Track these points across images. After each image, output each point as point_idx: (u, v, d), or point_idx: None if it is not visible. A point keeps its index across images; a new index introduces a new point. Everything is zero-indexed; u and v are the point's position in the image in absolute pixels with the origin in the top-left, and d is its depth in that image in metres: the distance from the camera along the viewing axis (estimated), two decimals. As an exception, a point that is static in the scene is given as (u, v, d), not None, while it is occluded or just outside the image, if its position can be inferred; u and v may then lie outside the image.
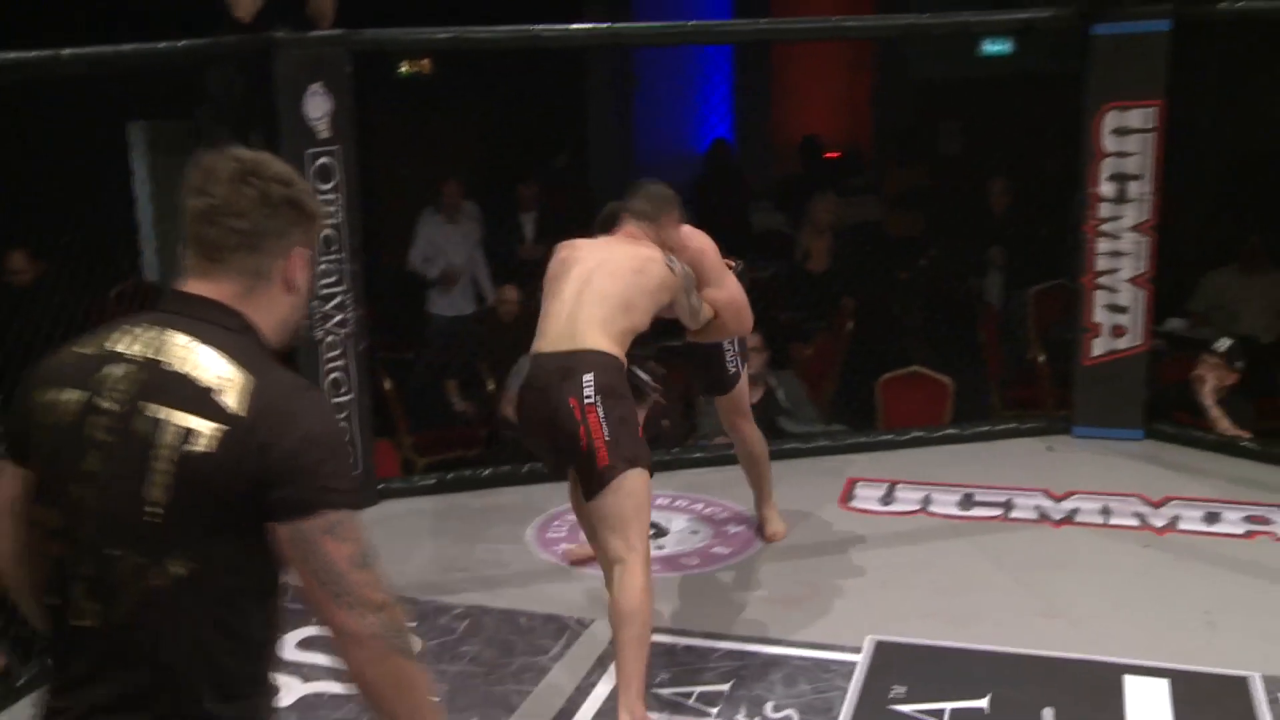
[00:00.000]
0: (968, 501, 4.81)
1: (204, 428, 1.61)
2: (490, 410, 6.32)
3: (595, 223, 3.78)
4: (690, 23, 5.15)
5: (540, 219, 7.66)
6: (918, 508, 4.78)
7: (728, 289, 3.81)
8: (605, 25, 5.23)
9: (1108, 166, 5.35)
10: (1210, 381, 5.40)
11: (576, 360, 3.27)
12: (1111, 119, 5.31)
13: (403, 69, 9.43)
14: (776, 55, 10.67)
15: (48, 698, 1.72)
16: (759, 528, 4.55)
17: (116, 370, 1.66)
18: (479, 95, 5.47)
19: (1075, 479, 5.02)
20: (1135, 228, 5.33)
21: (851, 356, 6.48)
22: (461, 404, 6.19)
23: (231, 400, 1.62)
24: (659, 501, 4.84)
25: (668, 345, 3.87)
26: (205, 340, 1.66)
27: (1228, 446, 5.24)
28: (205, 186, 1.70)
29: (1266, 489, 4.82)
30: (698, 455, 5.42)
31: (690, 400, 6.15)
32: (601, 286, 3.38)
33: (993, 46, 9.90)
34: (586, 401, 3.22)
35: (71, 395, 1.67)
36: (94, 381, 1.66)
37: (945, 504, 4.80)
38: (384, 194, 7.61)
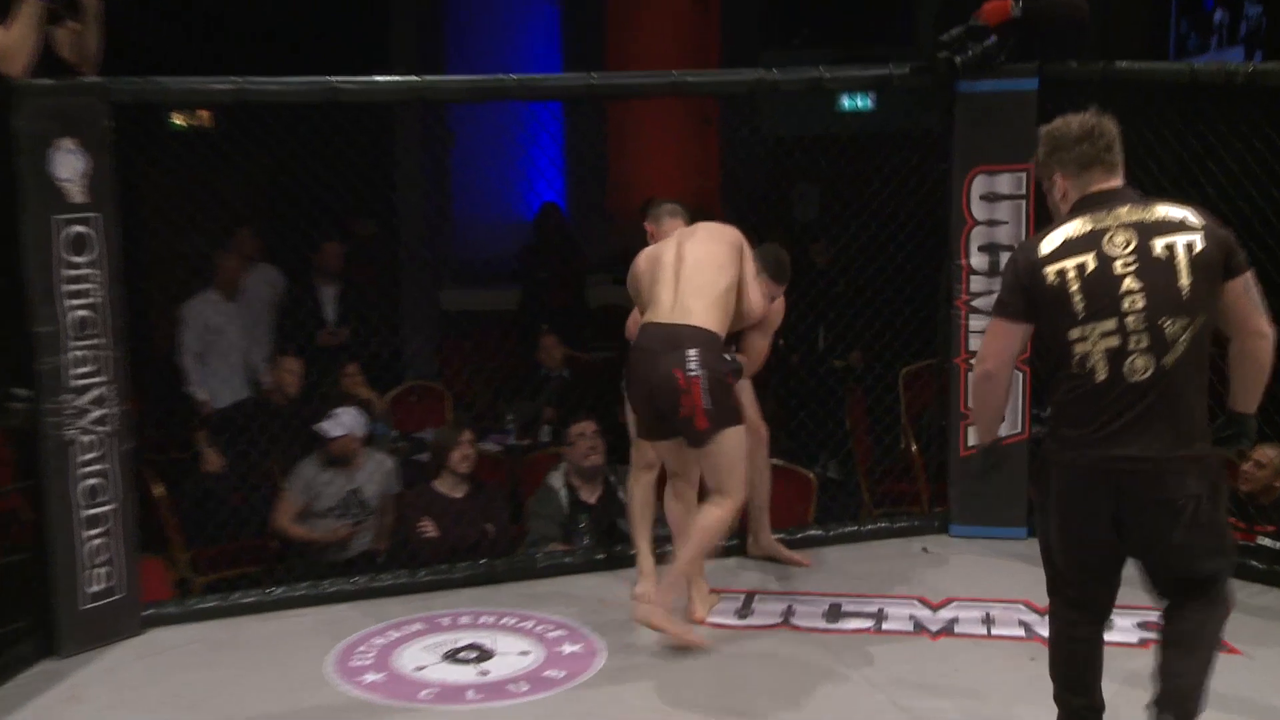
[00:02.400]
0: (835, 613, 4.88)
1: (1195, 238, 3.31)
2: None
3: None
4: (512, 76, 5.18)
5: (343, 294, 7.60)
6: (779, 621, 4.82)
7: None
8: (413, 79, 5.23)
9: (978, 236, 5.57)
10: None
11: (684, 334, 4.43)
12: (980, 183, 5.55)
13: (178, 122, 9.30)
14: (613, 110, 10.87)
15: (1082, 451, 3.32)
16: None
17: (1119, 235, 3.34)
18: (269, 152, 5.41)
19: (954, 584, 5.14)
20: (1009, 303, 5.53)
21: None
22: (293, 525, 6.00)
23: (1193, 220, 3.35)
24: (482, 620, 4.87)
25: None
26: (1154, 202, 3.40)
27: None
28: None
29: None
30: (528, 565, 5.41)
31: (519, 502, 6.13)
32: (704, 267, 4.58)
33: (852, 102, 10.29)
34: (690, 374, 4.37)
35: (1080, 259, 3.34)
36: (1101, 244, 3.34)
37: (810, 616, 4.85)
38: (154, 267, 7.45)
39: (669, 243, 4.75)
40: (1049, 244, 3.41)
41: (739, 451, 4.53)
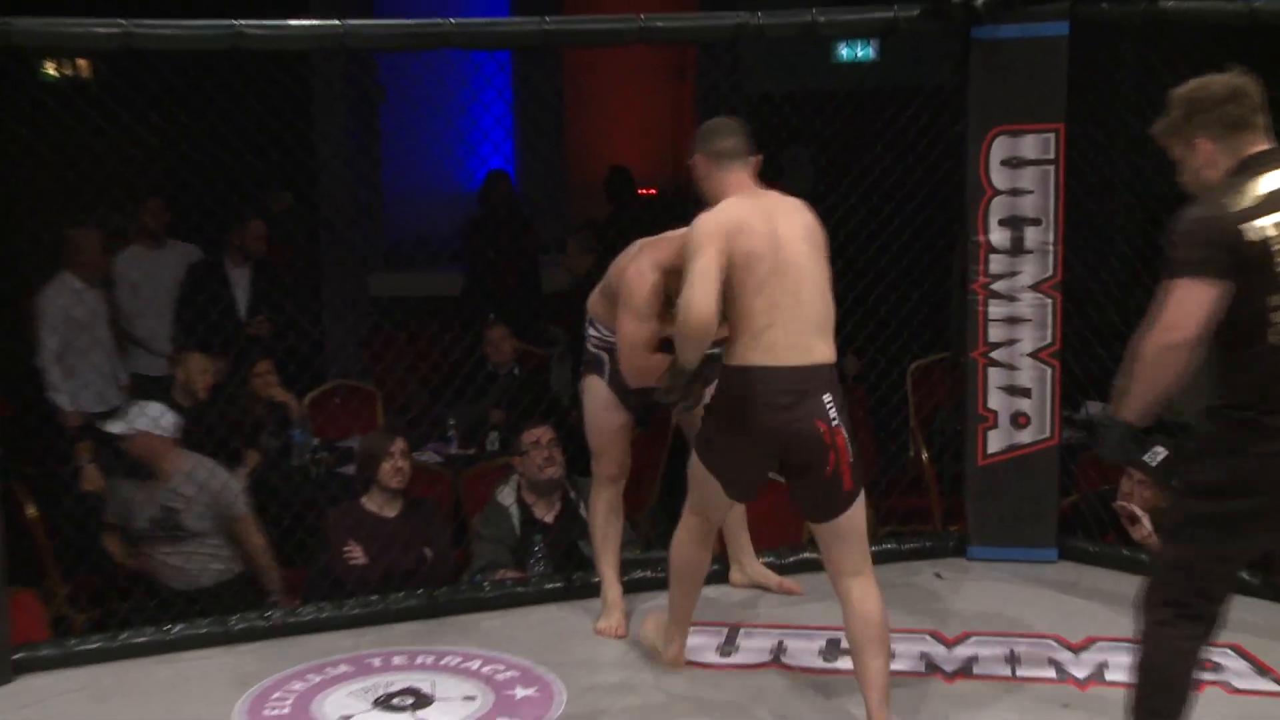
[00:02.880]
0: (833, 650, 4.86)
1: None
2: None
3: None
4: (450, 20, 5.14)
5: (256, 280, 7.57)
6: (768, 659, 4.81)
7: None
8: (333, 22, 5.19)
9: (998, 208, 5.57)
10: (1140, 508, 5.53)
11: (814, 377, 4.18)
12: (1001, 146, 5.54)
13: (49, 71, 9.20)
14: (570, 62, 10.85)
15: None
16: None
17: None
18: (160, 111, 5.35)
19: (972, 616, 5.14)
20: (1036, 286, 5.56)
21: (676, 458, 6.51)
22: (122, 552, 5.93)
23: None
24: (420, 660, 4.86)
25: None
26: None
27: (1161, 567, 5.43)
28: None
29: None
30: (473, 595, 5.38)
31: (462, 522, 6.09)
32: (812, 278, 4.22)
33: (851, 51, 10.29)
34: (834, 424, 4.16)
35: (1277, 217, 3.44)
36: None
37: (803, 654, 4.84)
38: (29, 248, 7.39)
39: (754, 214, 4.27)
40: (1237, 199, 3.47)
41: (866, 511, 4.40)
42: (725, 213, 4.23)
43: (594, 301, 5.01)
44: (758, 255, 4.15)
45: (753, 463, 4.30)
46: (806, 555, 5.66)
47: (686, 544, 4.54)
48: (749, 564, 5.44)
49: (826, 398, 4.16)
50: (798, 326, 4.16)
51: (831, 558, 4.32)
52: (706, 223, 4.21)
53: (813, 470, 4.19)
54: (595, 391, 5.00)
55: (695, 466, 4.40)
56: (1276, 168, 3.52)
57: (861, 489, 4.28)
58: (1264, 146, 3.60)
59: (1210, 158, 3.59)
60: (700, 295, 4.08)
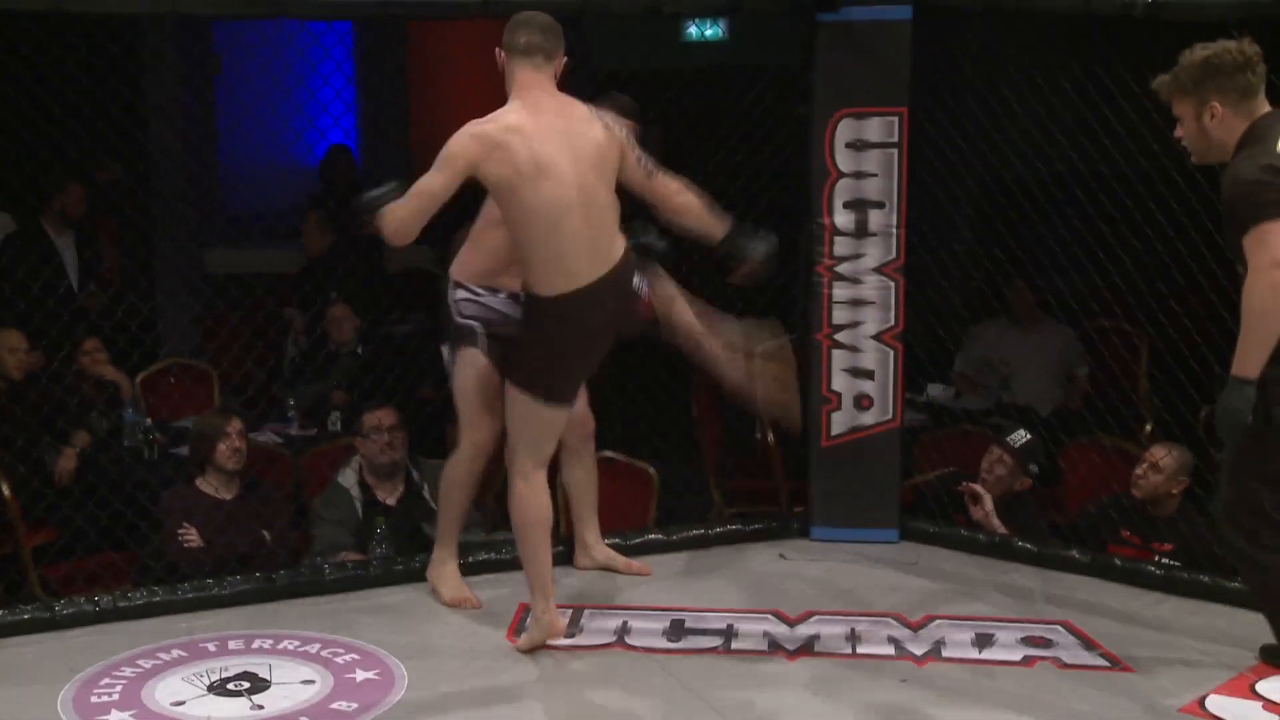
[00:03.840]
0: (677, 630, 4.92)
1: None
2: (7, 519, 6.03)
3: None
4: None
5: (81, 250, 7.44)
6: (612, 640, 4.85)
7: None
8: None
9: (843, 190, 5.67)
10: (995, 487, 5.71)
11: (620, 273, 4.56)
12: (846, 129, 5.64)
13: None
14: (415, 36, 10.77)
15: None
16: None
17: None
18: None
19: (814, 596, 5.24)
20: (880, 269, 5.67)
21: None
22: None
23: None
24: (256, 644, 4.81)
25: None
26: None
27: (1001, 548, 5.61)
28: None
29: (1045, 601, 5.19)
30: (313, 579, 5.35)
31: (302, 504, 6.07)
32: (599, 193, 4.48)
33: (700, 30, 10.37)
34: (643, 290, 4.74)
35: None
36: None
37: (648, 634, 4.89)
38: None
39: (529, 128, 4.43)
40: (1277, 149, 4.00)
41: None
42: (487, 134, 4.37)
43: (463, 263, 4.98)
44: (534, 179, 4.36)
45: (581, 367, 4.76)
46: (653, 536, 5.76)
47: (538, 493, 4.71)
48: (596, 546, 5.48)
49: (637, 280, 4.72)
50: (595, 245, 4.51)
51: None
52: (461, 136, 4.38)
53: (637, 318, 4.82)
54: (471, 362, 4.96)
55: (523, 410, 4.64)
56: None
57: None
58: (1268, 108, 4.14)
59: (1225, 119, 4.10)
60: (405, 214, 4.34)
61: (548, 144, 4.37)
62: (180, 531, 5.50)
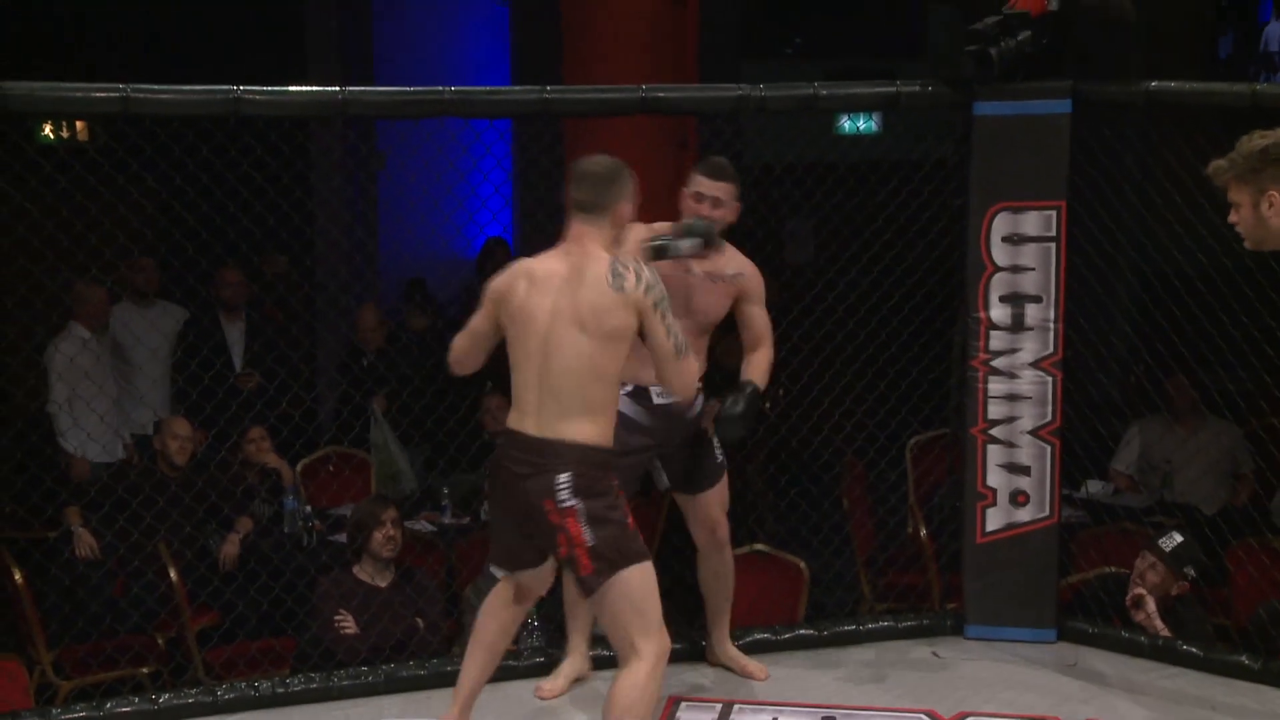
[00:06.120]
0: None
1: None
2: (174, 604, 6.16)
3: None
4: (449, 89, 5.23)
5: (250, 331, 7.66)
6: (761, 737, 4.82)
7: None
8: (332, 90, 5.27)
9: (999, 284, 5.63)
10: (1151, 593, 5.58)
11: (550, 452, 4.09)
12: (1002, 223, 5.61)
13: (46, 133, 9.32)
14: (570, 132, 10.91)
15: None
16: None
17: None
18: (161, 174, 5.43)
19: (969, 697, 5.15)
20: (1036, 364, 5.60)
21: (669, 529, 6.55)
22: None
23: None
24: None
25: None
26: None
27: (1164, 651, 5.46)
28: None
29: (1215, 709, 5.05)
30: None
31: (455, 592, 6.11)
32: (564, 350, 4.12)
33: (853, 124, 10.41)
34: (564, 505, 4.05)
35: None
36: None
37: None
38: (16, 309, 7.45)
39: (534, 279, 4.29)
40: None
41: (641, 594, 4.16)
42: (509, 273, 4.33)
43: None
44: (516, 324, 4.22)
45: (504, 526, 4.36)
46: (803, 631, 5.70)
47: (486, 607, 4.56)
48: (718, 646, 5.36)
49: (563, 477, 4.06)
50: (544, 400, 4.14)
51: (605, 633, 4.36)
52: (494, 279, 4.37)
53: (551, 548, 4.21)
54: None
55: None
56: None
57: (614, 578, 4.07)
58: None
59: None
60: (458, 346, 4.40)
61: (541, 296, 4.20)
62: (337, 618, 5.57)
